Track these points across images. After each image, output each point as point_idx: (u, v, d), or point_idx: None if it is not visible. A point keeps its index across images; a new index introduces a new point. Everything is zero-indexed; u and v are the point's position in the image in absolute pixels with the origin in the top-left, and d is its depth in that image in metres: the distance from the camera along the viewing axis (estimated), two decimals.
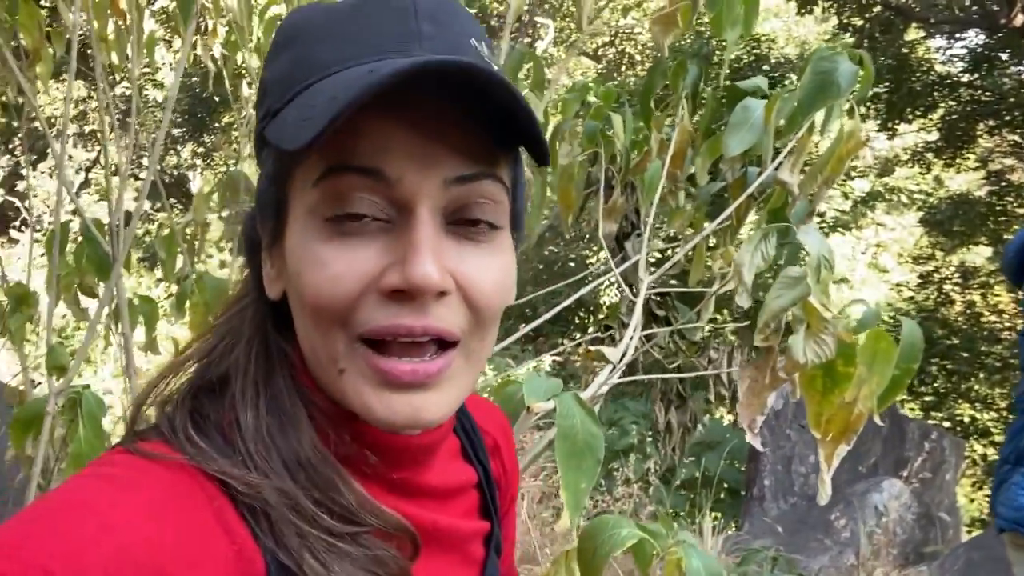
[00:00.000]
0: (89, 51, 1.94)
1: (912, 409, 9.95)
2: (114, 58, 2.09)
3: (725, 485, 5.70)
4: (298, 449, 0.50)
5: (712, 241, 1.58)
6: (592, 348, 1.01)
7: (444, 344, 0.50)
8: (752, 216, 1.53)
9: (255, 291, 0.56)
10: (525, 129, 0.48)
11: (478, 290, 0.50)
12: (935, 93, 9.72)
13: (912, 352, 1.01)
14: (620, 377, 1.12)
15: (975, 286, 10.60)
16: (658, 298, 1.66)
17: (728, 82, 1.51)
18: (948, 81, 9.83)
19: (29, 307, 1.56)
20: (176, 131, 12.19)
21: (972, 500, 9.76)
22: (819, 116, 1.30)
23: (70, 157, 11.04)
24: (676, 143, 1.40)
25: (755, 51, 9.70)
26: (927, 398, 10.25)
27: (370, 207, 0.48)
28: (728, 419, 7.23)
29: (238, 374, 0.53)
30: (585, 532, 0.84)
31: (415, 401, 0.49)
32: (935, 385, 10.22)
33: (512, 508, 0.76)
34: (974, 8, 8.64)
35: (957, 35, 9.96)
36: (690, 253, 1.48)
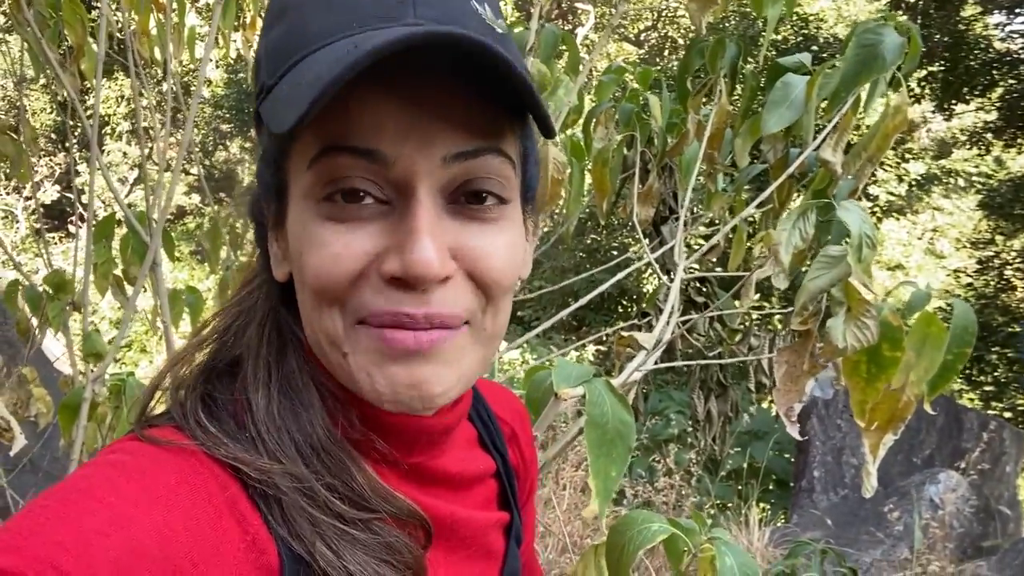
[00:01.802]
0: (138, 45, 1.97)
1: (971, 399, 9.62)
2: (156, 53, 2.13)
3: (773, 476, 5.59)
4: (310, 431, 0.50)
5: (755, 226, 1.54)
6: (625, 334, 0.98)
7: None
8: (796, 199, 1.48)
9: (265, 271, 0.55)
10: (523, 99, 0.45)
11: (484, 269, 0.48)
12: (994, 71, 9.34)
13: (964, 336, 0.96)
14: (659, 364, 1.09)
15: None
16: (698, 284, 1.62)
17: (769, 60, 1.46)
18: (1008, 58, 9.44)
19: (67, 294, 1.59)
20: (224, 127, 12.43)
21: None
22: (864, 93, 1.25)
23: (124, 154, 11.36)
24: (714, 124, 1.36)
25: (803, 31, 9.44)
26: (987, 388, 9.90)
27: (367, 188, 0.46)
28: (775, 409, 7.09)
29: (250, 355, 0.52)
30: (615, 527, 0.82)
31: (417, 372, 0.47)
32: (995, 375, 9.87)
33: (531, 497, 0.75)
34: None
35: (1016, 10, 9.53)
36: (731, 236, 1.44)
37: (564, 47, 1.53)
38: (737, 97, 1.48)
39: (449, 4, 0.47)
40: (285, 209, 0.50)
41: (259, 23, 2.47)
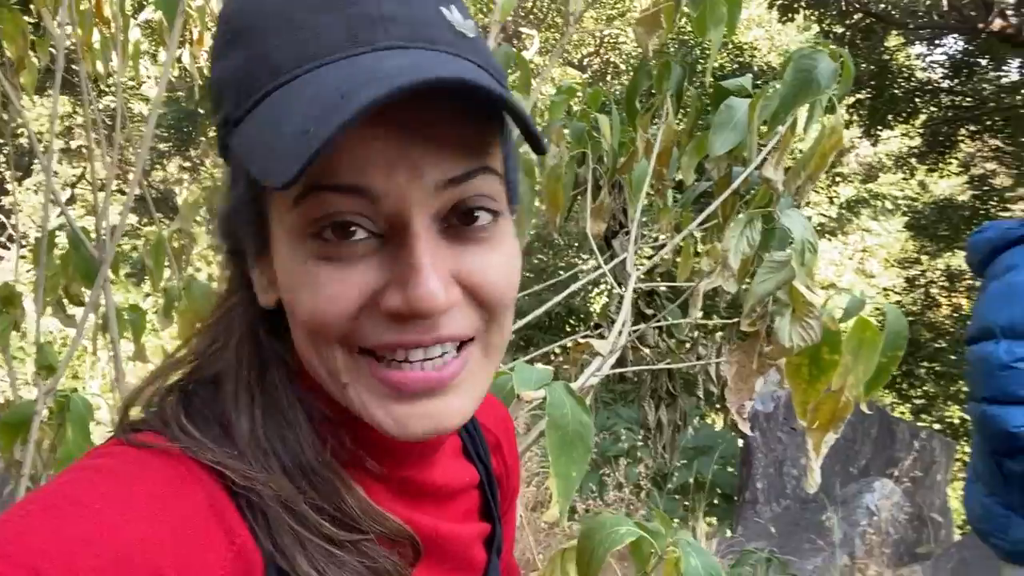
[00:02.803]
0: (74, 65, 1.94)
1: (902, 412, 9.99)
2: (99, 67, 2.09)
3: (718, 490, 5.71)
4: (298, 453, 0.48)
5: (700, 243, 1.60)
6: (582, 340, 1.01)
7: (460, 343, 0.47)
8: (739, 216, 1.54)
9: (242, 290, 0.53)
10: (513, 120, 0.44)
11: (487, 289, 0.47)
12: (917, 99, 9.83)
13: (897, 340, 1.02)
14: (613, 370, 1.12)
15: (961, 289, 10.68)
16: (647, 297, 1.67)
17: (713, 83, 1.53)
18: (929, 87, 9.95)
19: (15, 307, 1.55)
20: (162, 146, 12.15)
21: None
22: (801, 114, 1.33)
23: (55, 173, 10.97)
24: (662, 142, 1.42)
25: (738, 59, 9.80)
26: (916, 401, 10.31)
27: (359, 221, 0.44)
28: (719, 424, 7.24)
29: (230, 376, 0.51)
30: (583, 531, 0.84)
31: (431, 409, 0.46)
32: (924, 388, 10.28)
33: (512, 504, 0.74)
34: (953, 14, 8.76)
35: (936, 41, 10.09)
36: (678, 250, 1.49)
37: (516, 66, 1.57)
38: (682, 117, 1.54)
39: (417, 18, 0.45)
40: (267, 240, 0.49)
41: (207, 39, 2.44)
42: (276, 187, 0.40)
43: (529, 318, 1.56)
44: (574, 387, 0.92)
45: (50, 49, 1.97)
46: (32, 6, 1.86)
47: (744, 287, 1.06)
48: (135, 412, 0.51)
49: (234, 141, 0.46)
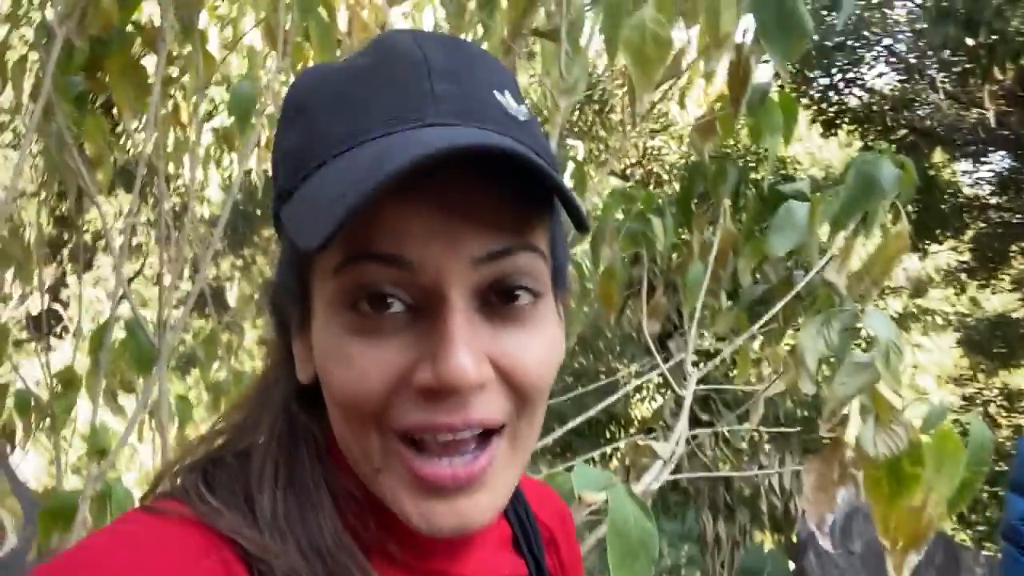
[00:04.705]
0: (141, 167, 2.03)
1: (963, 539, 9.39)
2: (171, 168, 2.20)
3: None
4: (318, 537, 0.47)
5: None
6: (642, 443, 0.97)
7: (487, 433, 0.46)
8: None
9: (283, 363, 0.53)
10: (555, 196, 0.44)
11: (522, 374, 0.45)
12: (964, 215, 9.77)
13: (981, 453, 0.96)
14: (671, 477, 1.07)
15: (1021, 408, 10.23)
16: (701, 403, 1.61)
17: (768, 187, 1.54)
18: (977, 203, 9.90)
19: (75, 390, 1.57)
20: (217, 245, 12.62)
21: None
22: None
23: (113, 268, 11.42)
24: (720, 242, 1.41)
25: (781, 172, 9.93)
26: (979, 527, 9.69)
27: (395, 292, 0.44)
28: (768, 544, 6.86)
29: (259, 450, 0.50)
30: None
31: (459, 507, 0.45)
32: (987, 514, 9.68)
33: None
34: (999, 130, 8.81)
35: (982, 158, 10.12)
36: (736, 355, 1.45)
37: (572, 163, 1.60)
38: (738, 220, 1.54)
39: (470, 97, 0.45)
40: (309, 313, 0.49)
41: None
42: (310, 250, 0.40)
43: (574, 423, 1.52)
44: (636, 490, 0.87)
45: (128, 148, 2.08)
46: (115, 110, 1.98)
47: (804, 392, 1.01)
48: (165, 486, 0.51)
49: (284, 212, 0.47)
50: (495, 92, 0.47)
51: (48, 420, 1.75)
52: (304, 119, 0.47)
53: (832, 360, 0.90)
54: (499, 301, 0.45)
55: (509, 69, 0.50)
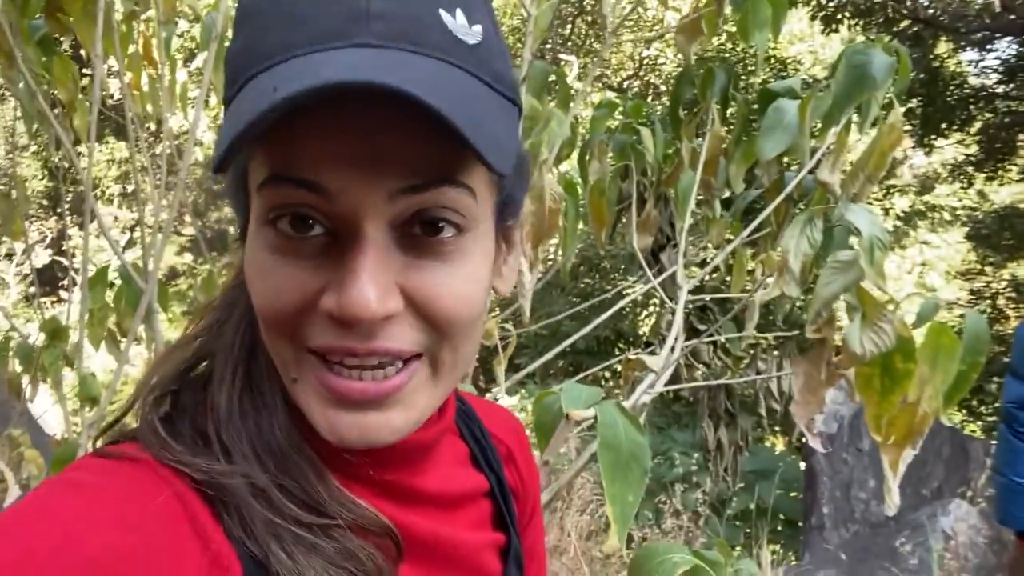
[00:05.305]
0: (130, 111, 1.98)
1: (972, 430, 9.56)
2: (148, 109, 2.14)
3: (781, 516, 5.49)
4: (269, 434, 0.48)
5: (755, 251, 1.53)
6: (633, 357, 0.96)
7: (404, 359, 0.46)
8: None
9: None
10: (461, 143, 0.39)
11: (436, 307, 0.45)
12: (971, 106, 9.53)
13: (977, 345, 0.95)
14: (664, 389, 1.07)
15: None
16: (699, 312, 1.61)
17: (759, 87, 1.48)
18: (983, 93, 9.65)
19: (62, 341, 1.57)
20: (216, 187, 12.52)
21: None
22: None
23: (115, 218, 11.39)
24: (708, 150, 1.37)
25: (782, 74, 9.65)
26: (988, 418, 9.85)
27: (315, 215, 0.43)
28: (779, 446, 7.00)
29: (221, 353, 0.51)
30: (635, 560, 0.79)
31: (368, 420, 0.45)
32: (995, 405, 9.83)
33: (536, 519, 0.71)
34: (1006, 16, 8.49)
35: (989, 46, 9.79)
36: (730, 262, 1.43)
37: (555, 81, 1.54)
38: (728, 125, 1.49)
39: (409, 17, 0.43)
40: (247, 223, 0.49)
41: None
42: (213, 169, 0.40)
43: (573, 339, 1.52)
44: (627, 404, 0.87)
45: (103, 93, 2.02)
46: (82, 51, 1.91)
47: (801, 297, 1.00)
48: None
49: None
50: (442, 11, 0.44)
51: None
52: (246, 28, 0.46)
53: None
54: (422, 233, 0.44)
55: None
